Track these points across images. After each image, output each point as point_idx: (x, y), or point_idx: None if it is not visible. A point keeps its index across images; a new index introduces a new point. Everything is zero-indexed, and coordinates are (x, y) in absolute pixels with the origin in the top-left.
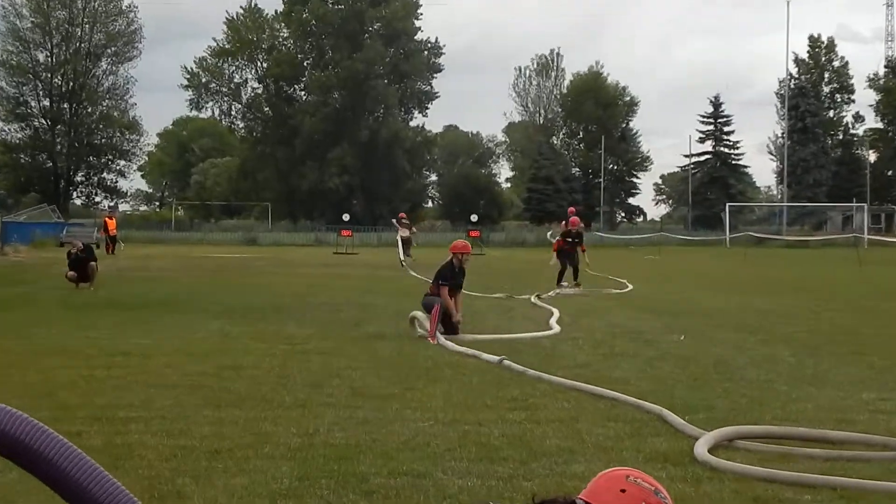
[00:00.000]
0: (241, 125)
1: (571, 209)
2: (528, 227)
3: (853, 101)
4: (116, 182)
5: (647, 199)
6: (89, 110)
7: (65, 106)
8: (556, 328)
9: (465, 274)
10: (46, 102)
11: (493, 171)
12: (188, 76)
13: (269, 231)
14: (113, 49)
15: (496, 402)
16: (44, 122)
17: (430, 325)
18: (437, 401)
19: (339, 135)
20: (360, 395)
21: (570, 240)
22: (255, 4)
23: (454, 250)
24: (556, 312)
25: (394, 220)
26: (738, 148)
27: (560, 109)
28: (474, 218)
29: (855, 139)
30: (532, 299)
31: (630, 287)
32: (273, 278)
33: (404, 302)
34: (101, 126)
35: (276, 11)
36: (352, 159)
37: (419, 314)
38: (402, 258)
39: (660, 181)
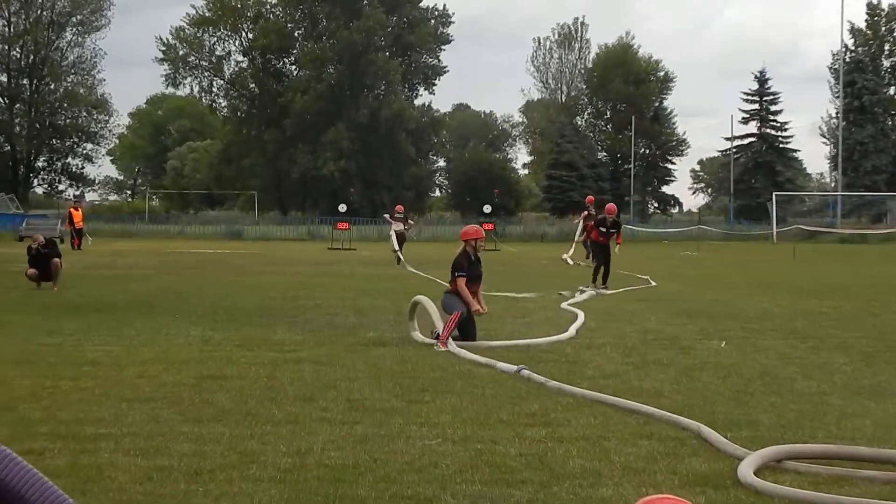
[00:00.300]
0: (224, 104)
1: (590, 198)
2: (548, 220)
3: None
4: (83, 168)
5: (684, 188)
6: (52, 87)
7: (24, 82)
8: (571, 332)
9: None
10: (3, 78)
11: (509, 156)
12: (163, 48)
13: (256, 224)
14: (78, 18)
15: (513, 417)
16: (0, 100)
17: (444, 330)
18: (446, 416)
19: (334, 115)
20: (359, 409)
21: (604, 229)
22: None
23: (466, 237)
24: (582, 316)
25: (385, 216)
26: (786, 130)
27: (584, 86)
28: (487, 209)
29: None
30: (564, 305)
31: (653, 283)
32: (260, 277)
33: (408, 304)
34: (65, 105)
35: None
36: (349, 143)
37: (425, 301)
38: (398, 252)
39: (698, 167)
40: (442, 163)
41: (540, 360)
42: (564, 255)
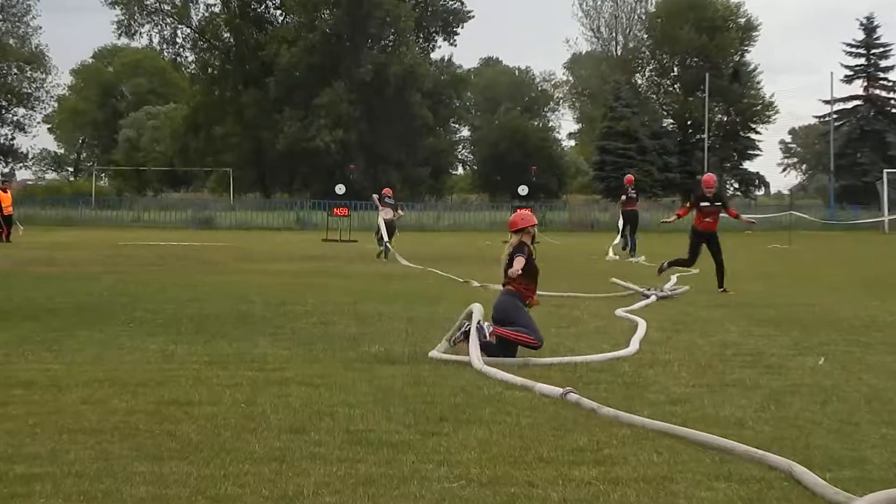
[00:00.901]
0: (191, 58)
1: (629, 178)
2: (599, 204)
3: None
4: (12, 139)
5: (771, 164)
6: None
7: None
8: (634, 346)
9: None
10: None
11: (551, 124)
12: None
13: (231, 209)
14: None
15: (556, 453)
16: None
17: (515, 336)
18: (471, 451)
19: (329, 72)
20: (361, 442)
21: (707, 205)
22: None
23: (521, 225)
24: (643, 325)
25: (374, 196)
26: None
27: (645, 36)
28: (523, 190)
29: None
30: (619, 311)
31: (695, 270)
32: (236, 276)
33: (422, 309)
34: None
35: None
36: (348, 107)
37: (478, 311)
38: (387, 242)
39: (788, 138)
40: (466, 132)
41: (590, 380)
42: (610, 253)
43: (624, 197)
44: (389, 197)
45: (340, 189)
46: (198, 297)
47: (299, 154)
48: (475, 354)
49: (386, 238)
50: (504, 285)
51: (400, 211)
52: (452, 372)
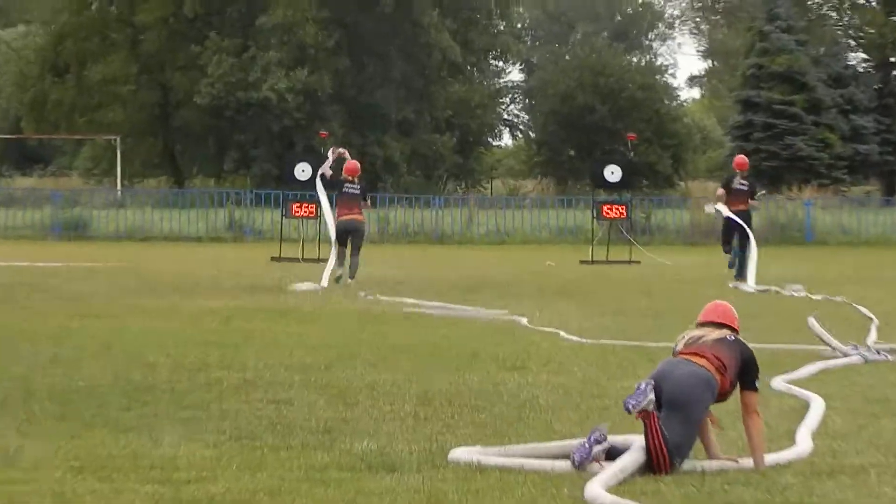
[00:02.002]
0: None
1: (740, 160)
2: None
3: None
4: None
5: None
6: None
7: None
8: (806, 443)
9: None
10: None
11: (661, 62)
12: None
13: (117, 205)
14: None
15: None
16: None
17: (658, 447)
18: None
19: None
20: None
21: (740, 186)
22: None
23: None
24: (818, 406)
25: (320, 174)
26: None
27: None
28: (614, 174)
29: None
30: (778, 381)
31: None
32: (128, 320)
33: (442, 378)
34: None
35: None
36: (317, 31)
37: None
38: (335, 260)
39: None
40: (517, 74)
41: (731, 501)
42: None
43: (722, 190)
44: (352, 181)
45: (303, 171)
46: (62, 356)
47: (233, 112)
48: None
49: (334, 255)
50: (692, 356)
51: (367, 201)
52: (494, 485)
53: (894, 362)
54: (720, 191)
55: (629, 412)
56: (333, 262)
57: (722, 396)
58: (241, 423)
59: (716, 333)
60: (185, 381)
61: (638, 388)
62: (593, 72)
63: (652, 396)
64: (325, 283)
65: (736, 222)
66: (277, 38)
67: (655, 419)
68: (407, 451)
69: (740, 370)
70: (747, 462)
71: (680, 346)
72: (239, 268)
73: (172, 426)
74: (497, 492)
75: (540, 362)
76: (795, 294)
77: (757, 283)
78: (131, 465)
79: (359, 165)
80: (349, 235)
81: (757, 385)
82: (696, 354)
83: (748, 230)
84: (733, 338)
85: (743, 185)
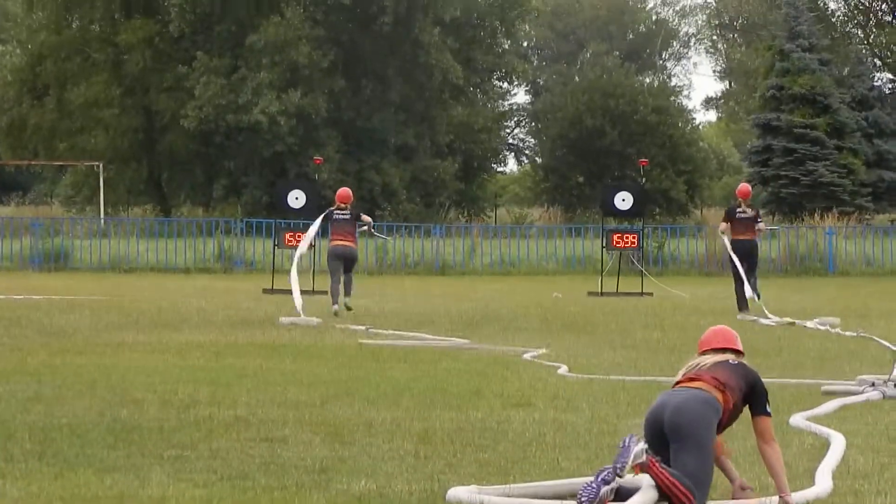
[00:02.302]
0: None
1: (744, 188)
2: (763, 222)
3: None
4: None
5: None
6: None
7: None
8: (825, 482)
9: None
10: None
11: (675, 82)
12: None
13: (101, 235)
14: None
15: None
16: None
17: (676, 489)
18: None
19: None
20: None
21: (743, 215)
22: None
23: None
24: (839, 444)
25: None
26: None
27: None
28: (625, 201)
29: None
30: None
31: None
32: (113, 357)
33: (444, 415)
34: None
35: None
36: (311, 51)
37: None
38: (298, 306)
39: None
40: (523, 96)
41: None
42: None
43: (726, 223)
44: (343, 207)
45: (297, 199)
46: (43, 393)
47: (222, 137)
48: None
49: (296, 282)
50: (689, 382)
51: (367, 220)
52: None
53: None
54: (723, 224)
55: (620, 476)
56: (298, 290)
57: (727, 416)
58: (232, 463)
59: (715, 357)
60: (174, 419)
61: (621, 446)
62: (604, 93)
63: (639, 447)
64: (299, 308)
65: (742, 253)
66: (269, 58)
67: (656, 464)
68: (406, 492)
69: (746, 394)
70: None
71: (679, 377)
72: (229, 300)
73: (160, 465)
74: None
75: (546, 398)
76: (821, 328)
77: (743, 314)
78: None
79: (350, 192)
80: (341, 262)
81: (768, 409)
82: (692, 380)
83: (736, 262)
84: (736, 361)
85: (746, 213)
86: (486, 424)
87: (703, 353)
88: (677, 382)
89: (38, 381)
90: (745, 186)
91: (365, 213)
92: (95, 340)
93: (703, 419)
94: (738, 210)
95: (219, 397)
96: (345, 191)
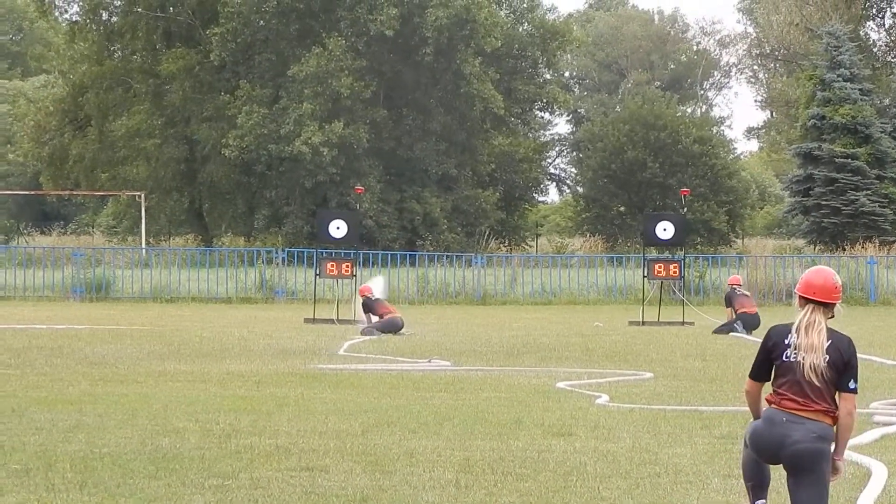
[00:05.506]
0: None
1: (735, 279)
2: (801, 255)
3: None
4: None
5: None
6: None
7: None
8: None
9: None
10: None
11: (716, 113)
12: None
13: (142, 264)
14: None
15: None
16: None
17: None
18: None
19: (318, 20)
20: None
21: (745, 293)
22: None
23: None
24: (881, 473)
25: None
26: None
27: None
28: (666, 231)
29: None
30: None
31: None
32: (154, 386)
33: (485, 444)
34: None
35: None
36: (353, 82)
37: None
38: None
39: None
40: (563, 126)
41: None
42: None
43: (730, 309)
44: (370, 295)
45: (338, 229)
46: (84, 423)
47: (264, 167)
48: None
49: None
50: (803, 410)
51: (370, 316)
52: None
53: None
54: (729, 310)
55: None
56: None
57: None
58: (273, 492)
59: (821, 330)
60: (215, 448)
61: None
62: (645, 124)
63: None
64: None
65: (753, 326)
66: (311, 89)
67: None
68: None
69: (841, 374)
70: None
71: (793, 340)
72: (270, 330)
73: (202, 495)
74: None
75: (587, 428)
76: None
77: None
78: None
79: (370, 288)
80: (396, 331)
81: (853, 386)
82: (803, 409)
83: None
84: (837, 337)
85: (745, 292)
86: (527, 454)
87: (805, 299)
88: (782, 400)
89: (80, 410)
90: (734, 277)
91: (406, 243)
92: (137, 370)
93: (821, 456)
94: (738, 291)
95: (260, 426)
96: (367, 288)
